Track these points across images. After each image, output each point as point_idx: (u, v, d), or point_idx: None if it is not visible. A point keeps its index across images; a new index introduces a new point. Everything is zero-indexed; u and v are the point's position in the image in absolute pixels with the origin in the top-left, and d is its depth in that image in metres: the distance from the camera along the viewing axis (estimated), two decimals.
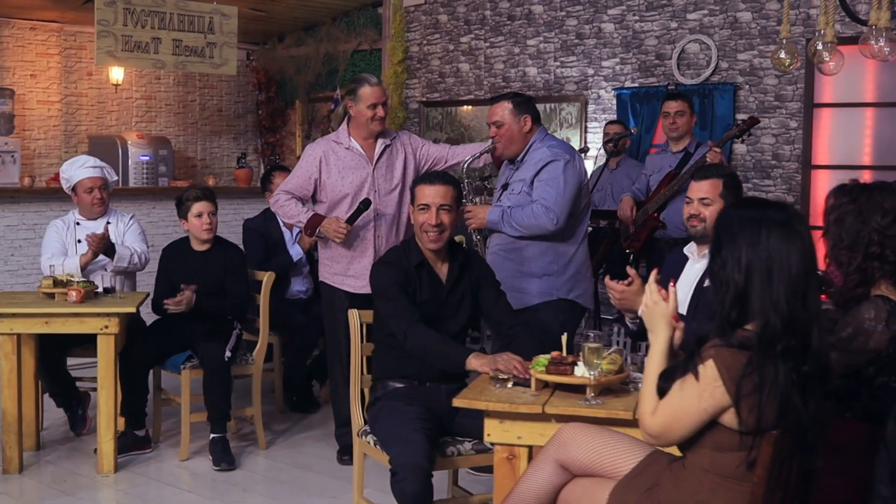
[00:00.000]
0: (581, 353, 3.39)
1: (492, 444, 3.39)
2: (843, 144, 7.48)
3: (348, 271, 5.35)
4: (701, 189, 4.07)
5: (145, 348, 5.50)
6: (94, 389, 6.10)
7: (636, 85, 8.42)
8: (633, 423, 3.19)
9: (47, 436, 5.82)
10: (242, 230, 6.66)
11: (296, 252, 6.57)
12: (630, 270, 3.93)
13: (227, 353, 5.46)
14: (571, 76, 8.86)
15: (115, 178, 6.18)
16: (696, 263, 4.06)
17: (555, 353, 3.58)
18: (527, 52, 9.13)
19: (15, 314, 5.09)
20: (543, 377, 3.39)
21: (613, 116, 8.46)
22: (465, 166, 5.21)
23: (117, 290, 5.50)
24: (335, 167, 5.29)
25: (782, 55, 5.18)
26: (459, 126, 9.55)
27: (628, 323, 4.06)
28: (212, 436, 5.42)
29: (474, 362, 3.73)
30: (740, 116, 7.85)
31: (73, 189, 5.94)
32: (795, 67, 5.40)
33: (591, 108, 8.73)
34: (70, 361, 5.87)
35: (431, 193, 4.07)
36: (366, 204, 5.19)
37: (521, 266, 4.87)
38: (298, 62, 10.57)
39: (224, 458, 5.32)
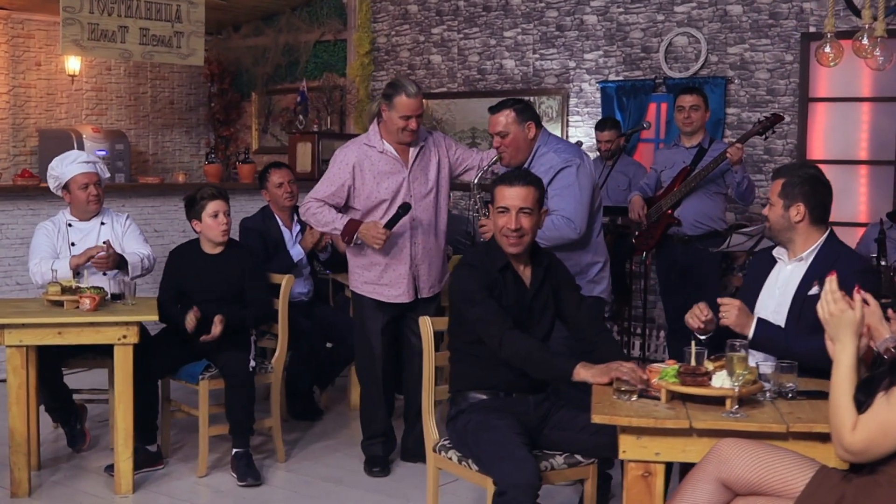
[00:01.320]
0: (724, 363, 3.18)
1: (626, 461, 3.14)
2: (839, 139, 7.43)
3: (381, 280, 5.06)
4: (770, 189, 3.91)
5: (157, 358, 5.11)
6: (90, 402, 5.74)
7: (621, 78, 8.27)
8: (785, 436, 3.01)
9: (44, 453, 5.38)
10: (240, 229, 6.28)
11: (296, 252, 6.23)
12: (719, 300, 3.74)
13: (252, 363, 5.11)
14: (552, 69, 8.67)
15: (108, 174, 5.76)
16: (786, 266, 3.87)
17: (670, 362, 3.36)
18: (504, 44, 8.91)
19: (25, 324, 4.67)
20: (679, 389, 3.16)
21: (597, 110, 8.31)
22: (476, 180, 4.94)
23: (127, 295, 5.09)
24: (370, 172, 4.98)
25: (827, 49, 5.04)
26: (431, 119, 9.27)
27: (701, 337, 3.86)
28: (234, 450, 5.06)
29: (583, 373, 3.48)
30: (730, 111, 7.77)
31: (66, 187, 5.51)
32: (840, 61, 5.24)
33: (572, 101, 8.56)
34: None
35: (511, 195, 3.81)
36: (405, 208, 4.89)
37: None
38: (256, 53, 10.18)
39: (249, 473, 4.98)
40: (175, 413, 5.46)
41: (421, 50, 9.40)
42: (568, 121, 8.55)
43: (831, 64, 5.12)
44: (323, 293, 6.78)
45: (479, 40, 9.05)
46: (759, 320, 3.71)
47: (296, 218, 6.41)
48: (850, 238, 7.01)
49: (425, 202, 5.07)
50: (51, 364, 5.17)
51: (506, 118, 4.70)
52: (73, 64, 8.90)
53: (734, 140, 6.47)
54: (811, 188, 3.79)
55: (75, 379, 5.81)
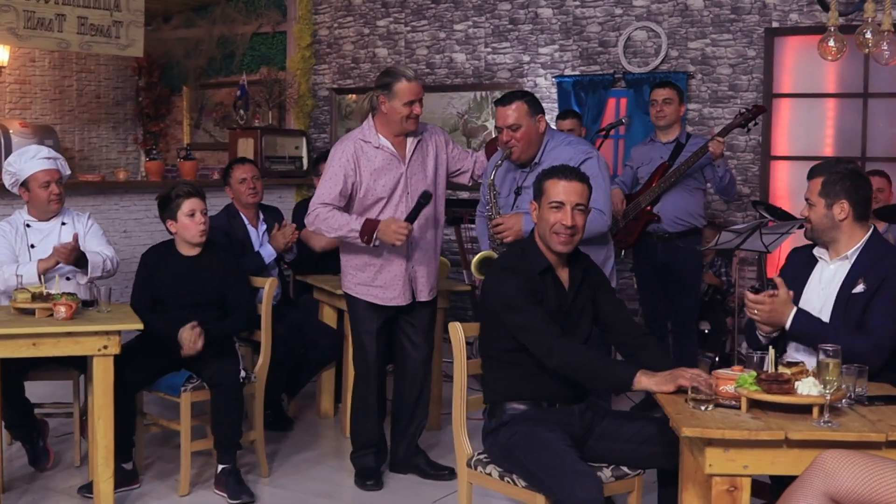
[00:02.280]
0: (800, 368, 3.01)
1: (710, 474, 2.93)
2: (803, 135, 7.39)
3: (375, 281, 4.77)
4: (808, 189, 3.76)
5: (134, 370, 4.72)
6: (51, 415, 5.33)
7: (577, 73, 8.10)
8: (879, 445, 2.84)
9: (5, 473, 4.95)
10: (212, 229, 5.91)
11: (267, 253, 5.89)
12: (778, 280, 3.57)
13: (243, 373, 4.78)
14: (505, 63, 8.46)
15: (69, 171, 5.35)
16: (828, 265, 3.72)
17: (736, 368, 3.18)
18: (454, 38, 8.67)
19: None
20: (765, 397, 2.96)
21: (553, 105, 8.13)
22: (490, 180, 4.68)
23: (100, 302, 4.69)
24: (366, 169, 4.69)
25: (831, 43, 4.93)
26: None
27: (760, 336, 3.69)
28: (221, 466, 4.72)
29: (645, 381, 3.26)
30: (692, 107, 7.67)
31: (24, 185, 5.09)
32: (844, 55, 5.13)
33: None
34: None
35: (568, 190, 3.58)
36: (427, 197, 4.61)
37: None
38: (188, 45, 9.73)
39: (241, 490, 4.64)
40: (149, 427, 5.09)
41: (366, 43, 9.10)
42: None
43: (836, 57, 4.99)
44: (286, 295, 6.45)
45: (427, 33, 8.79)
46: (799, 311, 3.56)
47: (261, 216, 6.08)
48: None
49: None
50: (13, 377, 4.75)
51: (517, 111, 4.47)
52: (1, 55, 8.35)
53: (711, 134, 6.34)
54: (853, 184, 3.66)
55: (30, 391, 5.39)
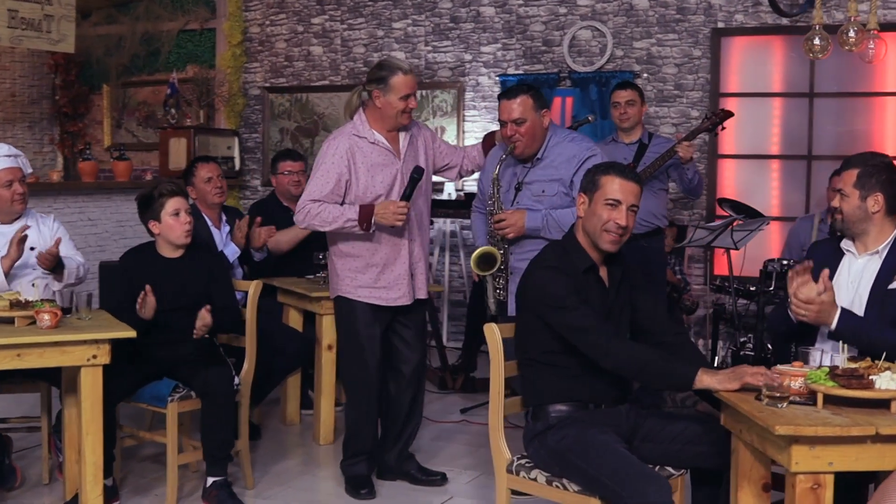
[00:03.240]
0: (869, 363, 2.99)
1: (795, 472, 2.88)
2: (750, 134, 7.49)
3: (378, 282, 4.61)
4: (839, 180, 3.76)
5: (114, 380, 4.44)
6: (13, 430, 5.01)
7: (521, 72, 8.06)
8: None
9: None
10: None
11: (231, 251, 5.66)
12: (824, 277, 3.54)
13: (237, 380, 4.57)
14: (446, 62, 8.37)
15: (31, 169, 5.04)
16: (857, 260, 3.73)
17: (797, 364, 3.14)
18: (392, 36, 8.54)
19: None
20: (845, 393, 2.93)
21: (496, 104, 8.04)
22: (494, 175, 4.57)
23: (80, 308, 4.41)
24: (363, 165, 4.53)
25: (816, 41, 4.98)
26: (312, 114, 8.80)
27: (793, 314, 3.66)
28: (211, 479, 4.47)
29: (707, 379, 3.18)
30: None
31: None
32: (826, 56, 5.18)
33: (468, 95, 8.28)
34: None
35: (625, 189, 3.48)
36: (419, 172, 4.48)
37: None
38: (108, 42, 9.35)
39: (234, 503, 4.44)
40: (124, 440, 4.83)
41: (300, 41, 8.88)
42: (464, 115, 8.27)
43: (819, 56, 5.03)
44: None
45: (365, 31, 8.63)
46: (843, 311, 3.55)
47: (224, 218, 5.84)
48: (780, 230, 7.09)
49: (417, 195, 4.68)
50: None
51: (522, 104, 4.37)
52: None
53: (674, 135, 6.38)
54: (889, 177, 3.66)
55: None
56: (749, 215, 6.29)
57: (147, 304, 4.44)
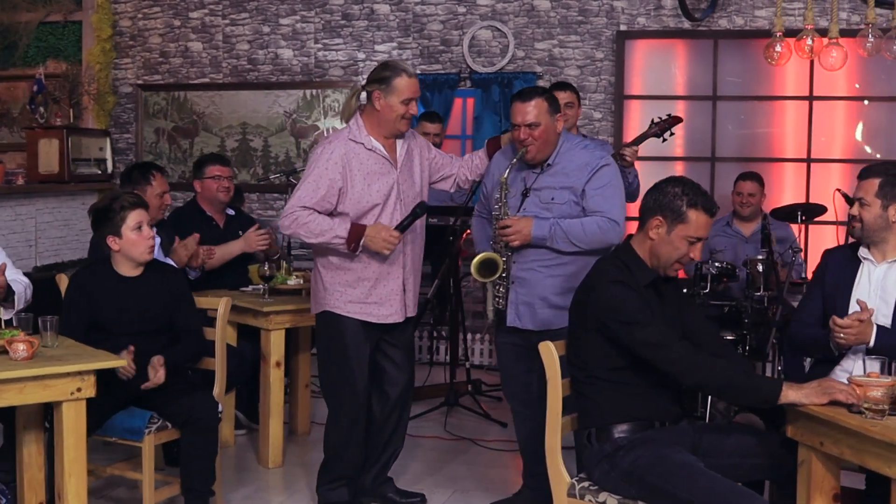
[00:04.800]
0: None
1: None
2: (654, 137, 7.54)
3: (370, 297, 4.33)
4: (860, 189, 3.80)
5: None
6: None
7: (418, 72, 7.86)
8: None
9: None
10: (95, 244, 5.16)
11: None
12: (861, 302, 3.57)
13: (220, 407, 4.21)
14: (337, 60, 8.08)
15: None
16: (876, 268, 3.77)
17: (873, 374, 3.14)
18: (279, 32, 8.18)
19: None
20: None
21: None
22: (504, 178, 4.35)
23: (46, 336, 3.93)
24: (359, 173, 4.25)
25: (778, 49, 5.04)
26: (191, 113, 8.32)
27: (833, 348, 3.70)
28: None
29: (793, 394, 3.12)
30: None
31: None
32: (783, 62, 5.24)
33: (363, 95, 8.00)
34: None
35: (709, 226, 3.43)
36: (422, 208, 4.24)
37: (567, 282, 4.22)
38: None
39: None
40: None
41: (176, 36, 8.38)
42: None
43: (782, 63, 5.09)
44: None
45: (249, 27, 8.23)
46: (880, 328, 3.59)
47: (154, 230, 5.40)
48: None
49: (413, 205, 4.44)
50: None
51: (537, 108, 4.17)
52: None
53: (610, 138, 6.34)
54: None
55: None
56: None
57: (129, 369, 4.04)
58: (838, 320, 3.56)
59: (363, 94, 4.38)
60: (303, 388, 5.81)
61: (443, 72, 7.82)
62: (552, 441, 3.44)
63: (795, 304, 6.17)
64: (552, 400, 3.43)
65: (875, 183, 3.73)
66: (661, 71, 7.54)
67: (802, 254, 5.85)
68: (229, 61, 8.27)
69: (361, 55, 8.02)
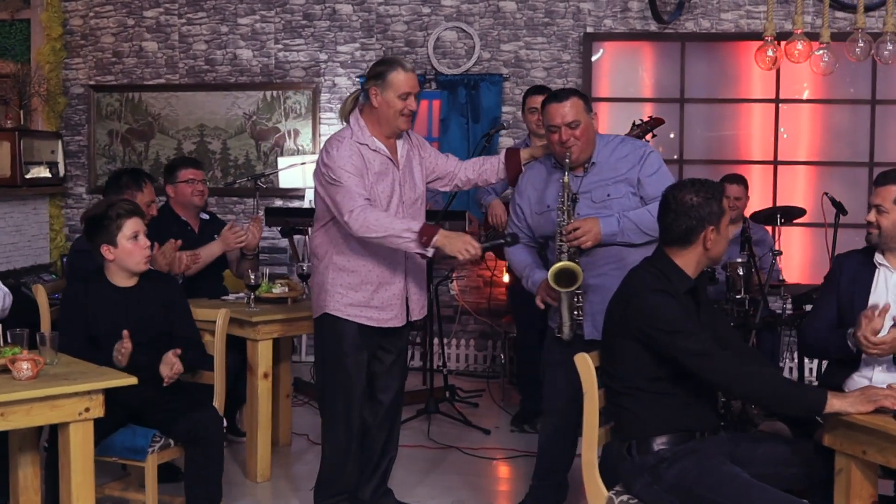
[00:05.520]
0: None
1: None
2: None
3: (372, 301, 4.22)
4: (878, 195, 3.82)
5: None
6: None
7: None
8: None
9: None
10: (74, 254, 4.97)
11: None
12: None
13: (224, 422, 4.07)
14: (298, 61, 7.93)
15: None
16: (893, 274, 3.79)
17: None
18: (238, 32, 8.00)
19: None
20: None
21: None
22: (564, 180, 4.08)
23: (45, 351, 3.74)
24: (369, 172, 4.15)
25: (770, 53, 5.04)
26: (146, 115, 8.09)
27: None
28: None
29: (838, 403, 3.11)
30: (506, 109, 7.63)
31: None
32: (769, 67, 5.23)
33: (325, 96, 7.90)
34: None
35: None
36: (515, 238, 4.13)
37: None
38: None
39: None
40: None
41: (130, 35, 8.14)
42: (320, 118, 7.88)
43: (771, 67, 5.10)
44: None
45: (206, 27, 8.03)
46: None
47: None
48: None
49: (414, 208, 4.32)
50: None
51: (574, 106, 4.05)
52: None
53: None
54: None
55: None
56: None
57: (125, 351, 3.88)
58: (872, 338, 3.52)
59: (361, 94, 4.27)
60: (284, 398, 5.68)
61: None
62: (589, 455, 3.38)
63: (774, 306, 6.25)
64: (589, 413, 3.37)
65: (894, 190, 3.74)
66: (628, 73, 7.53)
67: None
68: (186, 62, 8.07)
69: (323, 56, 7.88)
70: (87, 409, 3.53)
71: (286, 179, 7.47)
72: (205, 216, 5.77)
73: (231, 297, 5.44)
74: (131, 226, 4.08)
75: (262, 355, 5.05)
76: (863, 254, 3.95)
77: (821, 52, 4.88)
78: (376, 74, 4.15)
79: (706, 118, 7.50)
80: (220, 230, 5.57)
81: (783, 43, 4.93)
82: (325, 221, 4.26)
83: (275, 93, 7.92)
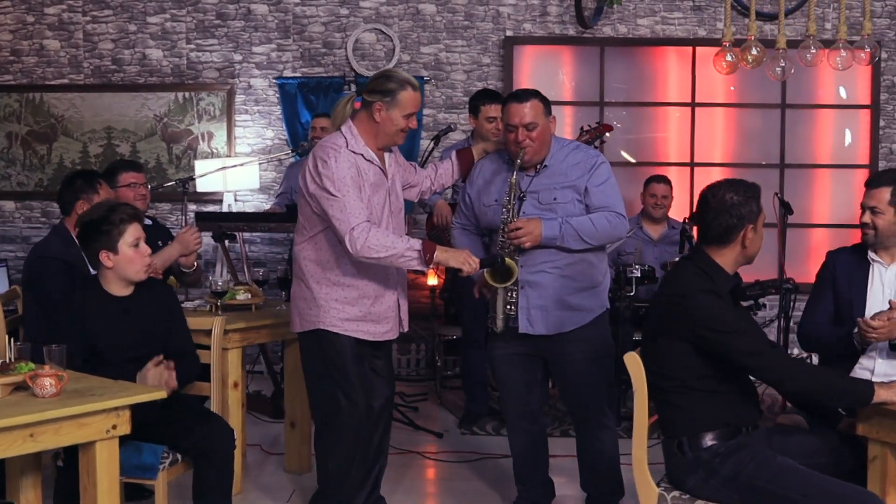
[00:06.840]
0: None
1: None
2: None
3: (369, 315, 4.14)
4: (872, 197, 4.03)
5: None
6: None
7: (299, 74, 7.66)
8: None
9: None
10: (34, 261, 4.71)
11: None
12: (893, 301, 3.77)
13: (235, 435, 3.94)
14: (212, 62, 7.74)
15: None
16: (887, 270, 4.02)
17: None
18: (147, 31, 7.74)
19: None
20: None
21: (273, 108, 7.71)
22: (512, 180, 4.21)
23: (54, 366, 3.53)
24: (365, 184, 4.08)
25: (728, 58, 5.20)
26: (48, 116, 7.74)
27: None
28: None
29: (885, 393, 3.25)
30: (427, 112, 7.64)
31: None
32: (729, 71, 5.38)
33: (239, 98, 7.73)
34: None
35: None
36: (503, 259, 4.12)
37: (577, 281, 4.26)
38: None
39: None
40: None
41: (30, 33, 7.76)
42: (235, 120, 7.71)
43: (730, 72, 5.25)
44: None
45: (113, 25, 7.73)
46: None
47: None
48: None
49: (399, 218, 4.30)
50: None
51: (533, 108, 4.13)
52: None
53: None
54: None
55: None
56: None
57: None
58: (870, 321, 3.73)
59: (358, 100, 4.20)
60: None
61: (325, 75, 7.63)
62: (639, 453, 3.43)
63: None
64: (639, 411, 3.42)
65: (887, 192, 3.95)
66: (548, 77, 7.65)
67: None
68: (91, 61, 7.75)
69: (238, 56, 7.71)
70: (114, 427, 3.36)
71: (204, 184, 7.27)
72: (148, 222, 5.56)
73: (189, 305, 5.26)
74: (133, 232, 3.91)
75: (233, 364, 4.90)
76: (855, 251, 4.15)
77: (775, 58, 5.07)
78: (385, 91, 4.08)
79: (626, 121, 7.68)
80: (164, 236, 5.39)
81: (736, 49, 5.10)
82: (315, 232, 4.16)
83: (187, 94, 7.70)
